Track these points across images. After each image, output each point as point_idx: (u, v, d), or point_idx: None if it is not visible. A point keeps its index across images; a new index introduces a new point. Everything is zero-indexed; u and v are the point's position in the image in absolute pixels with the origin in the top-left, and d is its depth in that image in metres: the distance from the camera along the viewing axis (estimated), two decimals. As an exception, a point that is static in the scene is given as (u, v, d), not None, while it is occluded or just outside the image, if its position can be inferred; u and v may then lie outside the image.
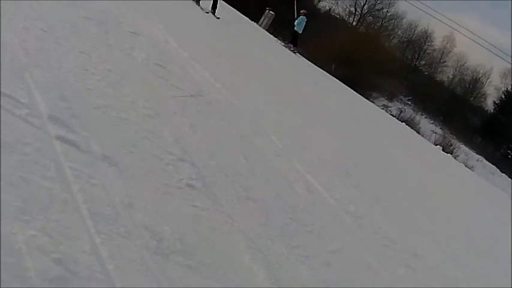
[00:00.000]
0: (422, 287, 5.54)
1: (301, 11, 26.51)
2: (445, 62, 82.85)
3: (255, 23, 28.84)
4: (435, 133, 58.34)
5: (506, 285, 7.62)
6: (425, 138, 37.47)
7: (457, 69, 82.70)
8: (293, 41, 26.68)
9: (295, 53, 25.85)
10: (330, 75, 29.28)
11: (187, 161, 4.81)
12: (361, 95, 31.63)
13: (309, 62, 28.29)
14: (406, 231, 7.15)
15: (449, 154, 31.68)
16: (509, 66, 59.63)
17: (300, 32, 26.30)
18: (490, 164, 56.69)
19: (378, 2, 74.45)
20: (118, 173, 3.94)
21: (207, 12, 19.66)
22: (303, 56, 27.71)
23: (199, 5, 20.02)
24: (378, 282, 4.90)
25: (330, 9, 73.86)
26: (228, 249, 3.83)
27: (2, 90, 4.04)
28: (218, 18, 19.89)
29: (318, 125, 10.92)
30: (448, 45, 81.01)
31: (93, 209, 3.29)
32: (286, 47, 26.04)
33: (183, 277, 3.17)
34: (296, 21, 26.40)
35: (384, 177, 10.04)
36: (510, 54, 70.16)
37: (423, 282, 5.66)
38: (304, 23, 26.18)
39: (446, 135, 57.76)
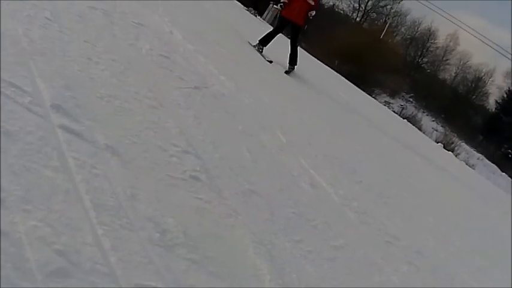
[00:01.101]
0: (427, 286, 5.51)
1: None
2: (448, 60, 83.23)
3: (259, 18, 28.92)
4: (436, 131, 58.62)
5: (507, 280, 7.60)
6: (427, 135, 37.55)
7: (460, 68, 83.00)
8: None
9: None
10: (333, 71, 29.30)
11: (191, 153, 4.77)
12: (363, 90, 31.67)
13: (312, 57, 28.28)
14: (409, 228, 7.11)
15: (450, 152, 31.70)
16: (512, 65, 59.73)
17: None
18: (491, 163, 56.93)
19: (382, -2, 74.74)
20: (121, 164, 3.90)
21: (271, 62, 13.87)
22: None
23: (261, 52, 14.27)
24: (381, 279, 4.86)
25: (334, 4, 74.09)
26: (232, 243, 3.79)
27: (5, 78, 4.00)
28: (271, 62, 13.93)
29: (322, 120, 10.89)
30: (451, 44, 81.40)
31: (96, 199, 3.25)
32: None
33: (187, 270, 3.12)
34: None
35: (386, 174, 10.00)
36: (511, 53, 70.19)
37: (427, 280, 5.62)
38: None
39: (447, 133, 57.97)
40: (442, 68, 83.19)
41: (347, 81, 28.88)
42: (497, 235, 11.84)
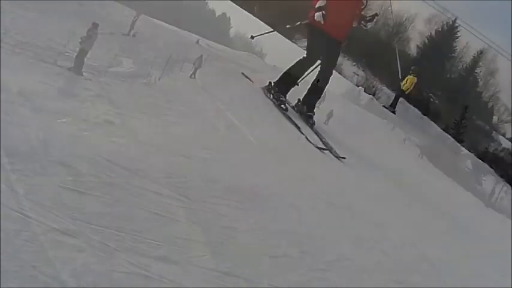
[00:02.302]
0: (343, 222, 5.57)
1: None
2: (369, 6, 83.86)
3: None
4: (357, 75, 59.14)
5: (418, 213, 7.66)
6: (347, 79, 37.91)
7: (381, 13, 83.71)
8: None
9: None
10: (253, 17, 29.24)
11: (104, 97, 4.77)
12: (282, 35, 31.71)
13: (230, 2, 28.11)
14: (327, 168, 7.13)
15: (371, 96, 32.02)
16: (434, 12, 60.52)
17: None
18: (412, 107, 57.73)
19: None
20: (33, 110, 3.89)
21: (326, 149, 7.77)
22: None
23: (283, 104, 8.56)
24: (300, 216, 4.91)
25: None
26: (145, 185, 3.80)
27: None
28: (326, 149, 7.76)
29: (244, 65, 10.83)
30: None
31: (8, 145, 3.24)
32: None
33: (100, 213, 3.13)
34: None
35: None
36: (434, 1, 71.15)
37: (345, 219, 5.66)
38: None
39: (368, 78, 58.54)
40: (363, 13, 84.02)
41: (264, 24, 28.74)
42: (415, 176, 12.01)
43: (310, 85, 9.09)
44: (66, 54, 5.53)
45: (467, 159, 19.67)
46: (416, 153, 14.04)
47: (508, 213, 10.49)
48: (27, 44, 4.99)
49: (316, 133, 8.27)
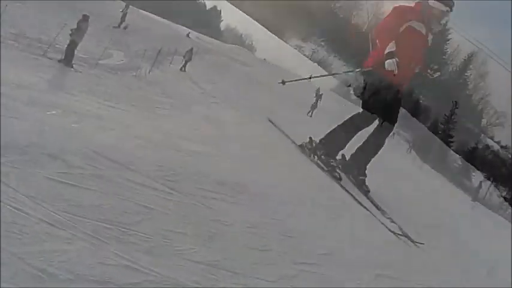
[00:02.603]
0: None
1: None
2: (360, 6, 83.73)
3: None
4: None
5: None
6: (338, 78, 37.89)
7: (373, 14, 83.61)
8: None
9: None
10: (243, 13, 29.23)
11: (95, 90, 4.78)
12: (274, 33, 31.67)
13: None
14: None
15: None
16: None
17: None
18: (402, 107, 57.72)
19: None
20: (23, 102, 3.89)
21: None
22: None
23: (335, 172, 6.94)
24: (292, 211, 4.80)
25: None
26: (135, 179, 3.78)
27: None
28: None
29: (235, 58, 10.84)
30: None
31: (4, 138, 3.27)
32: None
33: (90, 205, 3.13)
34: None
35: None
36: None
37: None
38: None
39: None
40: (355, 13, 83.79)
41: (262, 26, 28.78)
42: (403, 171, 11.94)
43: (361, 142, 7.29)
44: (57, 46, 5.54)
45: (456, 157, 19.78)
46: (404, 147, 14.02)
47: (496, 209, 10.50)
48: (18, 36, 5.00)
49: (377, 206, 6.53)
